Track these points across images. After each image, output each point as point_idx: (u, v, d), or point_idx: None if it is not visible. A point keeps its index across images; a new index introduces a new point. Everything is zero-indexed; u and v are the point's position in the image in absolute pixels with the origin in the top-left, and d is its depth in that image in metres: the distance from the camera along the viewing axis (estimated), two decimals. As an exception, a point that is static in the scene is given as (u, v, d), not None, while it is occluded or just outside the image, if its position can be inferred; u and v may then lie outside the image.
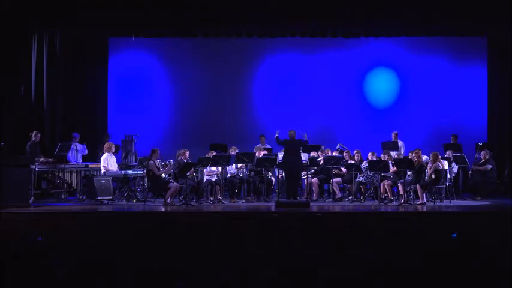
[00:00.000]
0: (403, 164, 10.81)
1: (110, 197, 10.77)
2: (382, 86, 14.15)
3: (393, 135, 12.68)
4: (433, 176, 10.55)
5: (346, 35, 13.50)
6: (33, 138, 11.36)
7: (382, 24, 12.92)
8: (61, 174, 11.19)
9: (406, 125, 13.57)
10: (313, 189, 11.48)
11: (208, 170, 11.16)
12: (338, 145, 12.27)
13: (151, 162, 10.51)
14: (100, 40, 13.63)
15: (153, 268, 5.60)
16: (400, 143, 12.61)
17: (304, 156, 11.25)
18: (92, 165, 11.53)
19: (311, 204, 10.29)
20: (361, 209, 10.23)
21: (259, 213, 9.82)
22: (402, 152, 12.37)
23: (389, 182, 10.85)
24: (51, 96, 13.00)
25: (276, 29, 13.29)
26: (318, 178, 11.51)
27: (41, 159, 11.01)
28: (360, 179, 11.25)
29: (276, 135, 11.06)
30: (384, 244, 6.50)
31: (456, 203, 10.99)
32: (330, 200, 11.37)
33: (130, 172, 11.36)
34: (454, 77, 14.00)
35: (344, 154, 11.75)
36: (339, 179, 11.46)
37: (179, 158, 10.82)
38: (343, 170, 11.46)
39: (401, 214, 9.63)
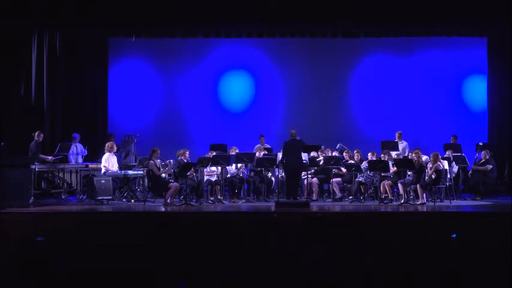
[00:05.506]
0: (403, 164, 10.81)
1: (110, 197, 10.76)
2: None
3: (397, 135, 12.66)
4: (433, 176, 10.54)
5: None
6: (36, 138, 11.34)
7: (382, 25, 12.90)
8: (61, 174, 11.19)
9: (406, 125, 13.56)
10: (313, 189, 11.47)
11: (208, 170, 11.16)
12: (338, 145, 12.27)
13: (151, 162, 10.51)
14: (100, 40, 13.62)
15: (153, 268, 5.60)
16: (404, 144, 12.58)
17: (304, 156, 11.24)
18: (92, 165, 11.51)
19: (311, 204, 10.29)
20: (361, 209, 10.22)
21: (259, 213, 9.82)
22: (407, 152, 12.28)
23: (389, 182, 10.85)
24: (51, 96, 12.99)
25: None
26: (318, 178, 11.50)
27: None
28: (360, 179, 11.25)
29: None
30: (384, 244, 6.49)
31: (456, 203, 10.99)
32: (330, 200, 11.36)
33: (130, 172, 11.34)
34: (454, 77, 13.98)
35: (344, 154, 11.75)
36: (339, 179, 11.45)
37: (179, 158, 10.82)
38: (343, 170, 11.45)
39: (401, 214, 9.63)
